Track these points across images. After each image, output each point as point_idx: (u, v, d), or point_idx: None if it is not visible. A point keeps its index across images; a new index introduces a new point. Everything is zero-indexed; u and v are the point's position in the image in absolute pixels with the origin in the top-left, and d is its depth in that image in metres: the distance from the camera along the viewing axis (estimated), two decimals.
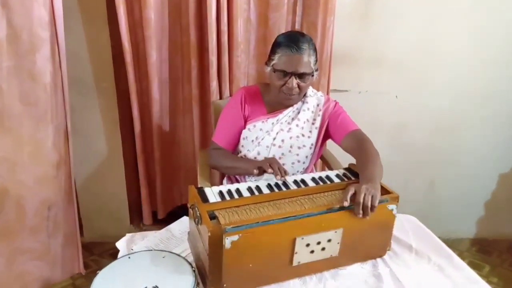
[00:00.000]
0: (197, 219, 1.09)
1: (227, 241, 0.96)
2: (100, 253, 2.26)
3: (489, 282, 2.17)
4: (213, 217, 1.07)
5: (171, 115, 2.15)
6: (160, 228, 1.38)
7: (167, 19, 1.95)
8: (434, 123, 2.29)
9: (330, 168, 1.72)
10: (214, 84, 1.98)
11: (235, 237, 0.97)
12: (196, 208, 1.09)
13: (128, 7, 1.86)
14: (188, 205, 1.18)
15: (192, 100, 2.05)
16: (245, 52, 1.99)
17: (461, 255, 2.38)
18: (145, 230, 2.36)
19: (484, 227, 2.56)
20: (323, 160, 1.81)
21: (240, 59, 1.95)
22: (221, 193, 1.19)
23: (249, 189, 1.22)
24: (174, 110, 2.16)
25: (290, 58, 1.37)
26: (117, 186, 2.24)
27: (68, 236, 1.53)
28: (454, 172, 2.42)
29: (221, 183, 1.71)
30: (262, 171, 1.29)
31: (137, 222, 2.36)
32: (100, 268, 1.07)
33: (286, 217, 1.05)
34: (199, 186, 1.56)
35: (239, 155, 1.57)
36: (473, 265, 2.30)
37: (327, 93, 2.09)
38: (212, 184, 1.57)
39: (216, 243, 0.99)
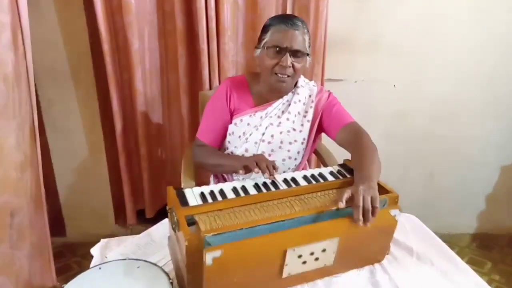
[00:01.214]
0: (174, 225, 0.97)
1: (208, 257, 0.84)
2: (83, 254, 2.14)
3: (491, 280, 2.11)
4: (192, 222, 0.96)
5: (156, 106, 2.03)
6: (148, 228, 1.27)
7: (149, 4, 1.81)
8: (434, 111, 2.18)
9: (325, 164, 1.60)
10: (205, 73, 1.87)
11: (217, 253, 0.84)
12: (174, 213, 0.98)
13: None
14: (167, 208, 1.07)
15: (180, 90, 1.93)
16: (233, 39, 1.86)
17: (461, 251, 2.30)
18: (131, 229, 2.27)
19: (485, 220, 2.47)
20: (318, 155, 1.70)
21: (227, 47, 1.82)
22: (202, 194, 1.07)
23: (234, 190, 1.10)
24: (160, 101, 2.03)
25: (285, 32, 1.27)
26: (100, 183, 2.13)
27: (36, 246, 1.36)
28: (454, 162, 2.32)
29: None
30: (248, 170, 1.17)
31: (123, 222, 2.25)
32: (83, 271, 0.98)
33: (274, 223, 0.94)
34: (182, 185, 1.45)
35: (226, 152, 1.45)
36: (474, 262, 2.22)
37: (322, 83, 1.97)
38: (200, 183, 1.44)
39: (194, 253, 0.88)
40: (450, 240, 2.34)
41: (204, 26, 1.77)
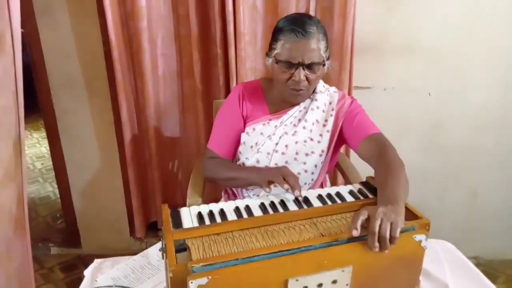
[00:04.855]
0: (162, 251, 0.85)
1: (192, 286, 0.71)
2: None
3: None
4: (183, 248, 0.84)
5: (170, 114, 1.95)
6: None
7: (163, 8, 1.74)
8: (476, 121, 1.96)
9: (348, 181, 1.44)
10: (221, 79, 1.79)
11: (202, 281, 0.72)
12: (163, 236, 0.86)
13: None
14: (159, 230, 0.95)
15: (196, 97, 1.85)
16: (251, 44, 1.75)
17: (509, 280, 2.04)
18: (146, 242, 2.19)
19: None
20: (340, 170, 1.53)
21: (244, 53, 1.71)
22: (200, 215, 0.95)
23: (236, 210, 0.97)
24: (174, 109, 1.95)
25: (296, 45, 1.13)
26: (114, 195, 2.07)
27: (13, 277, 1.22)
28: (501, 179, 2.06)
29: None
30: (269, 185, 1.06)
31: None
32: None
33: (277, 252, 0.79)
34: (187, 202, 1.34)
35: (237, 163, 1.33)
36: None
37: (349, 91, 1.81)
38: (209, 200, 1.30)
39: (179, 285, 0.75)
40: (496, 267, 2.09)
41: (219, 30, 1.68)
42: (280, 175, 1.04)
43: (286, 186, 1.01)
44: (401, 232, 0.82)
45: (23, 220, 1.26)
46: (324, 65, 1.18)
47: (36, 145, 3.70)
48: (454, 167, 2.05)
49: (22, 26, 1.80)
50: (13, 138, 1.17)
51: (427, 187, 2.05)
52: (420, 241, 0.87)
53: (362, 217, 0.83)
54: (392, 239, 0.80)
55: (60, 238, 2.28)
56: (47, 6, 1.71)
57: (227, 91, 1.81)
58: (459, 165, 2.05)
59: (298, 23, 1.14)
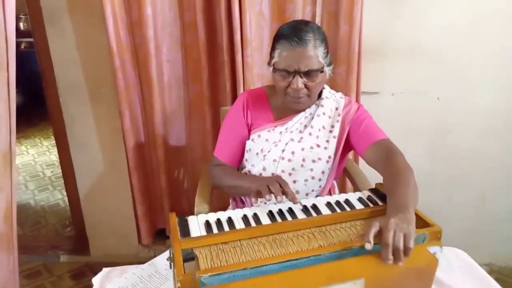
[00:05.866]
0: (170, 260, 0.85)
1: None
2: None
3: None
4: (191, 257, 0.83)
5: (177, 121, 1.95)
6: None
7: (168, 15, 1.75)
8: (484, 126, 1.92)
9: (356, 187, 1.42)
10: (228, 86, 1.79)
11: None
12: (171, 245, 0.86)
13: (126, 4, 1.69)
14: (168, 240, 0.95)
15: (203, 104, 1.85)
16: (258, 50, 1.75)
17: None
18: (154, 250, 2.19)
19: None
20: (348, 176, 1.52)
21: (251, 59, 1.71)
22: (208, 223, 0.94)
23: (244, 218, 0.96)
24: (180, 116, 1.95)
25: (291, 53, 1.12)
26: (122, 202, 2.06)
27: None
28: (509, 183, 2.02)
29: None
30: (260, 196, 1.02)
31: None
32: None
33: (286, 261, 0.79)
34: (195, 209, 1.34)
35: (244, 170, 1.32)
36: None
37: (357, 96, 1.79)
38: (217, 207, 1.29)
39: None
40: (509, 273, 2.05)
41: (226, 37, 1.69)
42: (265, 185, 1.00)
43: (268, 197, 0.98)
44: (415, 242, 0.81)
45: (10, 234, 1.21)
46: (322, 71, 1.17)
47: (46, 153, 3.73)
48: (461, 171, 2.02)
49: (32, 35, 1.84)
50: (2, 148, 1.15)
51: (435, 192, 2.02)
52: (435, 253, 0.85)
53: (374, 229, 0.82)
54: (406, 250, 0.79)
55: (70, 246, 2.29)
56: (55, 14, 1.72)
57: (234, 97, 1.81)
58: (466, 169, 2.01)
59: (294, 31, 1.14)
